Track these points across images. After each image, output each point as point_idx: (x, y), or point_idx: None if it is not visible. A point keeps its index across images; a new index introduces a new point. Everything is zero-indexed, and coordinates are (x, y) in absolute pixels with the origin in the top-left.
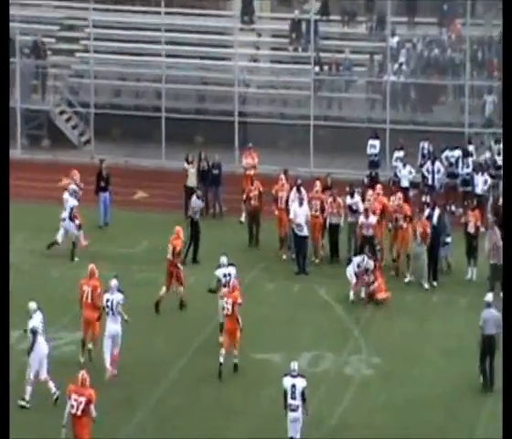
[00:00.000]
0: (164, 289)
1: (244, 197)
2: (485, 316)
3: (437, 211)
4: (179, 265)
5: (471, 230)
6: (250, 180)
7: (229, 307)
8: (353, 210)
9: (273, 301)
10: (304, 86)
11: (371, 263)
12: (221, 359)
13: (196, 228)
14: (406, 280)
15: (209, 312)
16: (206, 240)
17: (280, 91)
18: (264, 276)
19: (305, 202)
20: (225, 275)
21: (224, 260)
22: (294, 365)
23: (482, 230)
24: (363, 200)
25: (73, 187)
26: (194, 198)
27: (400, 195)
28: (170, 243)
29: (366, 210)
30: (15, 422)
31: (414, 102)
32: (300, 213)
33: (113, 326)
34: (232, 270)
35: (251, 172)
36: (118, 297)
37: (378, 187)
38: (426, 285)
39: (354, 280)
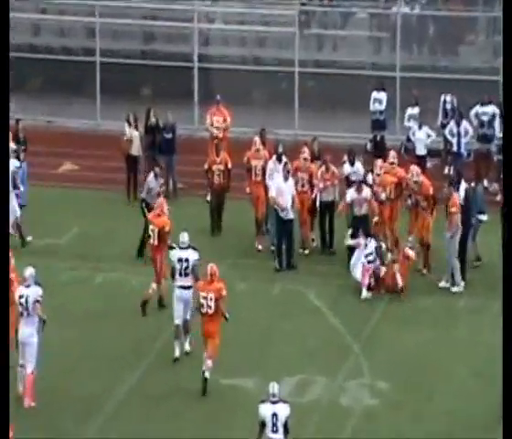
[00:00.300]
0: (153, 286)
1: (206, 167)
2: None
3: (463, 186)
4: (173, 245)
5: None
6: (216, 148)
7: (212, 304)
8: (352, 183)
9: (246, 307)
10: (287, 21)
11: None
12: (207, 374)
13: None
14: (441, 284)
15: (163, 318)
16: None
17: (254, 28)
18: (234, 274)
19: (290, 175)
20: (180, 260)
21: (185, 237)
22: (274, 387)
23: None
24: (367, 172)
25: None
26: (151, 176)
27: (415, 169)
28: (152, 223)
29: (369, 186)
30: None
31: (433, 42)
32: (285, 190)
33: (27, 330)
34: (192, 255)
35: (220, 135)
36: (35, 292)
37: (392, 154)
38: (455, 288)
39: (366, 280)
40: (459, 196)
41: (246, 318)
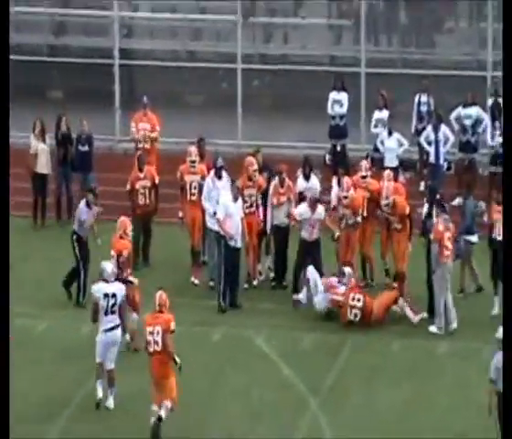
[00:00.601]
0: (133, 317)
1: (128, 187)
2: (498, 364)
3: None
4: (131, 279)
5: (498, 236)
6: (138, 162)
7: (159, 339)
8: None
9: (181, 357)
10: (228, 7)
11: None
12: (163, 413)
13: (85, 251)
14: (452, 327)
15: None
16: (68, 258)
17: (187, 16)
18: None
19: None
20: (106, 296)
21: (109, 268)
22: None
23: None
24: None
25: None
26: (82, 204)
27: (388, 184)
28: (113, 248)
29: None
30: None
31: (405, 31)
32: (234, 213)
33: None
34: (120, 289)
35: (148, 146)
36: None
37: (364, 165)
38: (433, 328)
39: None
40: (442, 219)
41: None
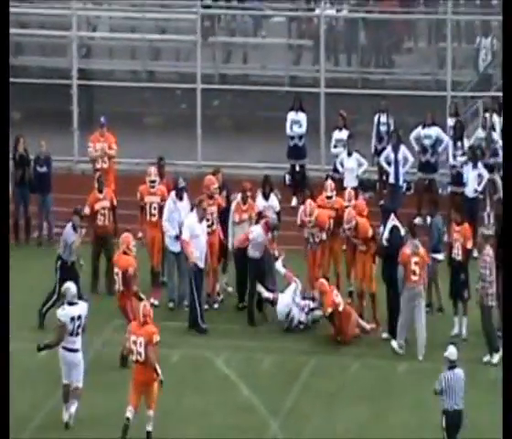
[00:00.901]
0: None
1: (87, 210)
2: (447, 383)
3: (392, 224)
4: (139, 294)
5: (457, 255)
6: (98, 182)
7: (142, 351)
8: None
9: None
10: (187, 27)
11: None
12: (129, 414)
13: (69, 274)
14: (419, 356)
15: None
16: (26, 280)
17: (146, 36)
18: (121, 339)
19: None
20: (73, 319)
21: (72, 290)
22: None
23: (475, 254)
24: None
25: None
26: (68, 227)
27: (349, 210)
28: (117, 265)
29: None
30: None
31: (364, 51)
32: (200, 234)
33: None
34: (83, 308)
35: (105, 165)
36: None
37: (330, 185)
38: (394, 344)
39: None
40: (410, 243)
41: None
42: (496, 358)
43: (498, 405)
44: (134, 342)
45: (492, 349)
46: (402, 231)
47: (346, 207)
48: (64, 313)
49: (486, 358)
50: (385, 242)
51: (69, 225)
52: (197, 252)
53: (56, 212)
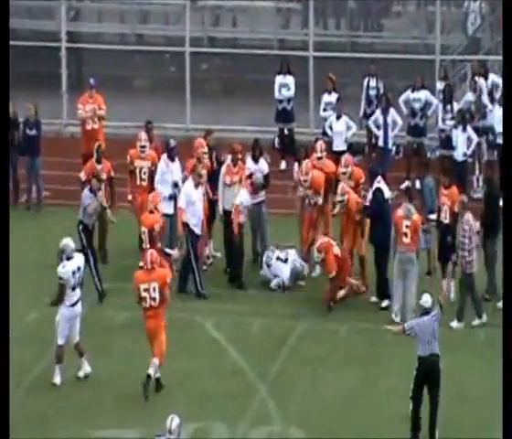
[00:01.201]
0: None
1: (82, 177)
2: (418, 328)
3: (376, 187)
4: (165, 250)
5: (445, 219)
6: (97, 153)
7: (156, 295)
8: (254, 184)
9: (128, 342)
10: None
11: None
12: (151, 371)
13: (91, 239)
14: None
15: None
16: (20, 246)
17: None
18: (112, 302)
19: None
20: (74, 273)
21: (69, 245)
22: (172, 422)
23: None
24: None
25: None
26: (86, 191)
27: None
28: (143, 224)
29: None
30: None
31: (353, 14)
32: (197, 200)
33: None
34: (81, 259)
35: (96, 126)
36: None
37: (320, 146)
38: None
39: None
40: (404, 206)
41: (128, 355)
42: (484, 317)
43: (486, 369)
44: (146, 289)
45: (478, 315)
46: (387, 194)
47: (344, 173)
48: (65, 270)
49: (475, 322)
50: (368, 203)
51: (87, 188)
52: (194, 219)
53: (45, 175)
